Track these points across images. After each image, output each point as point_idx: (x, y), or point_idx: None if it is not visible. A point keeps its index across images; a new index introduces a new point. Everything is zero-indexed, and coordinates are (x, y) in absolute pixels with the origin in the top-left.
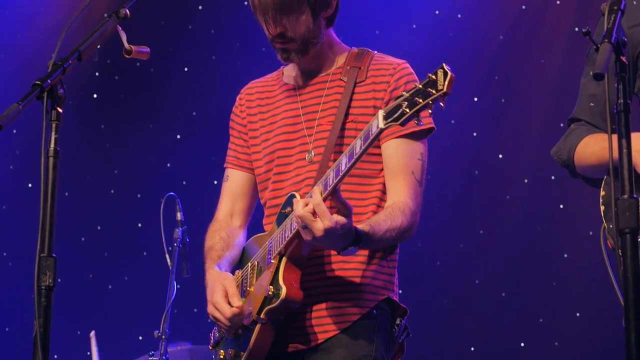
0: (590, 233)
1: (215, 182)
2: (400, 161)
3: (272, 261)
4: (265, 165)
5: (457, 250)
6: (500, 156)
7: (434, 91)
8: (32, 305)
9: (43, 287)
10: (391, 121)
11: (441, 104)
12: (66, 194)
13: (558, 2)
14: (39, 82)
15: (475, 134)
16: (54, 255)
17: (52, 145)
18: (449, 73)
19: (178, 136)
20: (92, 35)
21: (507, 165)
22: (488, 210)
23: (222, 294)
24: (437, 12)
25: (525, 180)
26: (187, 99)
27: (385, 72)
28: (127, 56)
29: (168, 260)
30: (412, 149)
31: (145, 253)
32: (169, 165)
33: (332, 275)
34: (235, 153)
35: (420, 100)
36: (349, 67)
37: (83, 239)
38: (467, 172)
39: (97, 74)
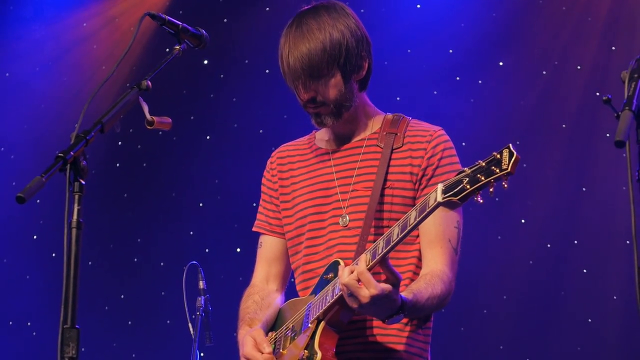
0: None
1: (238, 250)
2: (438, 229)
3: (309, 325)
4: (297, 229)
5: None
6: (523, 221)
7: (497, 170)
8: None
9: (66, 358)
10: (450, 195)
11: (504, 183)
12: (89, 263)
13: (579, 67)
14: (61, 155)
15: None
16: (77, 326)
17: (74, 216)
18: (515, 154)
19: (200, 204)
20: (115, 107)
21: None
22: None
23: (252, 344)
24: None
25: (548, 245)
26: (209, 167)
27: (422, 139)
28: (149, 127)
29: (191, 329)
30: (449, 217)
31: (168, 321)
32: (191, 233)
33: (368, 341)
34: (267, 218)
35: (482, 178)
36: (385, 133)
37: (107, 307)
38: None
39: (119, 143)
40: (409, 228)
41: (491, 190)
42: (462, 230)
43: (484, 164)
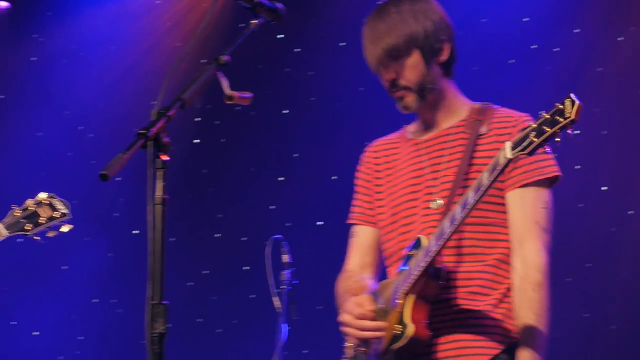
0: None
1: (319, 224)
2: (525, 211)
3: (398, 301)
4: (390, 217)
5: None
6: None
7: (561, 119)
8: (143, 353)
9: (155, 335)
10: (519, 151)
11: (569, 131)
12: (171, 239)
13: None
14: (143, 131)
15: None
16: (164, 302)
17: (158, 192)
18: (577, 101)
19: (280, 178)
20: (194, 83)
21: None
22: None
23: (353, 300)
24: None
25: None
26: (287, 142)
27: (507, 125)
28: (228, 102)
29: (276, 303)
30: (536, 198)
31: (252, 296)
32: (271, 207)
33: (460, 310)
34: (362, 209)
35: (548, 129)
36: (472, 120)
37: (191, 284)
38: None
39: (198, 119)
40: (482, 189)
41: (557, 140)
42: (553, 209)
43: (548, 115)
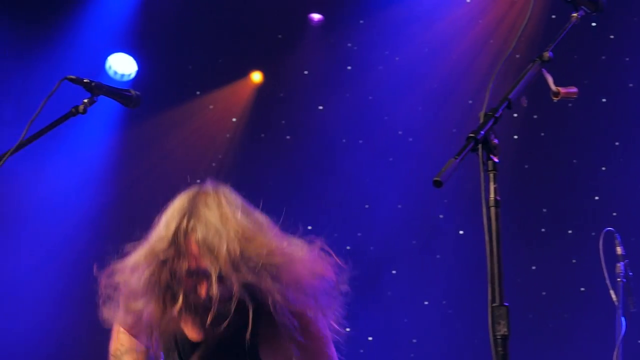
0: None
1: None
2: None
3: None
4: None
5: None
6: None
7: None
8: (477, 353)
9: (499, 337)
10: None
11: None
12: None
13: None
14: (472, 135)
15: None
16: (505, 304)
17: (492, 194)
18: None
19: (603, 168)
20: (519, 82)
21: None
22: None
23: None
24: None
25: None
26: (607, 131)
27: None
28: (555, 98)
29: (613, 296)
30: None
31: (582, 289)
32: (596, 198)
33: None
34: None
35: None
36: None
37: (520, 280)
38: None
39: (515, 115)
40: None
41: None
42: None
43: None
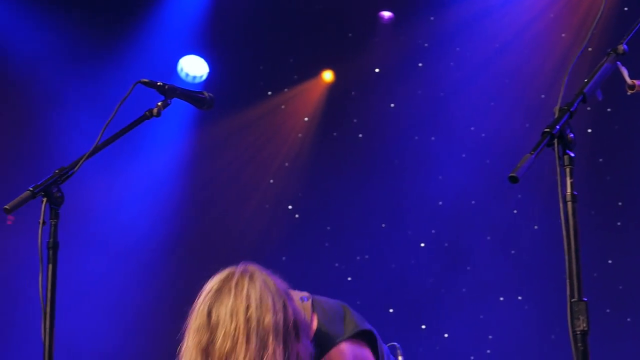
0: None
1: None
2: None
3: None
4: None
5: None
6: None
7: None
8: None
9: (578, 332)
10: None
11: None
12: None
13: None
14: (548, 130)
15: None
16: (584, 299)
17: (568, 189)
18: None
19: None
20: (594, 75)
21: None
22: None
23: None
24: None
25: None
26: None
27: None
28: (630, 92)
29: None
30: None
31: None
32: None
33: None
34: None
35: None
36: None
37: (595, 274)
38: None
39: (589, 108)
40: None
41: None
42: None
43: None
